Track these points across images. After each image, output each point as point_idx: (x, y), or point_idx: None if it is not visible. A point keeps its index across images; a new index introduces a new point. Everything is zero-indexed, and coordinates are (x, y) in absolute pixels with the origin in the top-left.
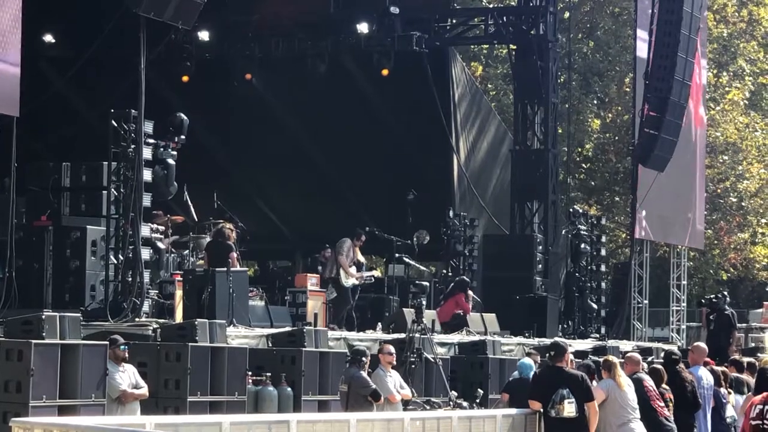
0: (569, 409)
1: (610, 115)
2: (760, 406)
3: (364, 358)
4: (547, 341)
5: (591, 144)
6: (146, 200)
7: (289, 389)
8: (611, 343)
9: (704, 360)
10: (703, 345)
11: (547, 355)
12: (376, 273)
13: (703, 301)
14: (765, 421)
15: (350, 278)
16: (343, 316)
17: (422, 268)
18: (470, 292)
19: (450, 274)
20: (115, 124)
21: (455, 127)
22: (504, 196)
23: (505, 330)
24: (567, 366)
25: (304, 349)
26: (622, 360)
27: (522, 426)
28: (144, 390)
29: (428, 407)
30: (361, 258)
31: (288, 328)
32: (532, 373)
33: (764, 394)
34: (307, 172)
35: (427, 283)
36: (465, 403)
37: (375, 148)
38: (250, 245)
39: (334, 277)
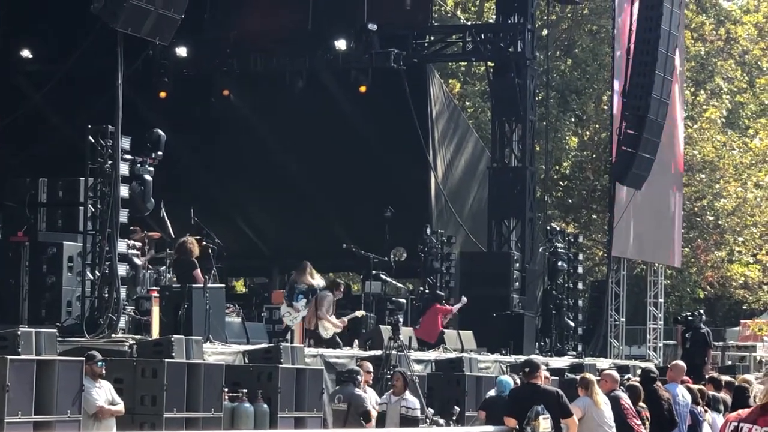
0: (545, 425)
1: (587, 132)
2: (735, 423)
3: (359, 377)
4: (524, 359)
5: (568, 162)
6: (123, 216)
7: (265, 406)
8: (588, 360)
9: (682, 378)
10: (681, 363)
11: (521, 372)
12: (359, 314)
13: (678, 318)
14: None
15: (329, 329)
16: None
17: (399, 285)
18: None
19: (427, 291)
20: (92, 140)
21: (433, 144)
22: (481, 213)
23: (482, 347)
24: (542, 382)
25: (280, 365)
26: (599, 378)
27: None
28: (120, 406)
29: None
30: (321, 281)
31: (265, 345)
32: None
33: (739, 411)
34: (284, 189)
35: (404, 300)
36: (442, 421)
37: (352, 164)
38: (227, 262)
39: (314, 330)
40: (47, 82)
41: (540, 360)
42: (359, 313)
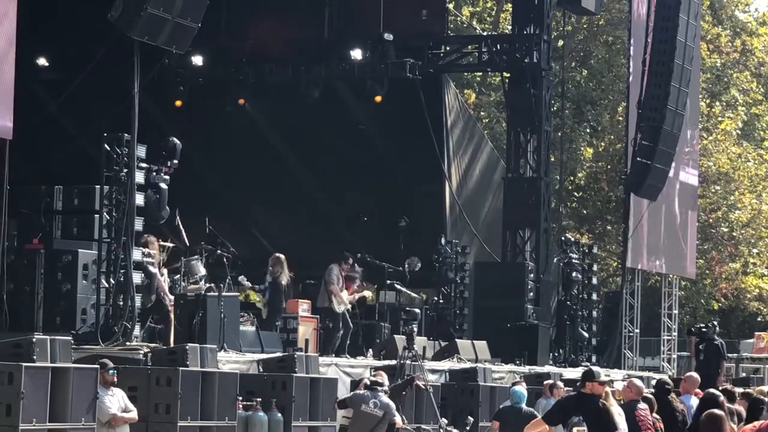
0: None
1: (602, 143)
2: None
3: (386, 387)
4: (538, 369)
5: (583, 172)
6: (138, 224)
7: (279, 415)
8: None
9: (696, 390)
10: (695, 375)
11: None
12: (367, 293)
13: (692, 330)
14: None
15: (341, 304)
16: (337, 343)
17: (413, 295)
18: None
19: (441, 301)
20: (108, 148)
21: (447, 154)
22: (496, 223)
23: (496, 357)
24: (597, 393)
25: (294, 374)
26: (614, 389)
27: None
28: (133, 414)
29: None
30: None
31: (279, 354)
32: (524, 401)
33: (754, 423)
34: (299, 198)
35: (419, 310)
36: (455, 431)
37: (367, 174)
38: (241, 271)
39: (327, 307)
40: (64, 90)
41: (598, 371)
42: (367, 293)
